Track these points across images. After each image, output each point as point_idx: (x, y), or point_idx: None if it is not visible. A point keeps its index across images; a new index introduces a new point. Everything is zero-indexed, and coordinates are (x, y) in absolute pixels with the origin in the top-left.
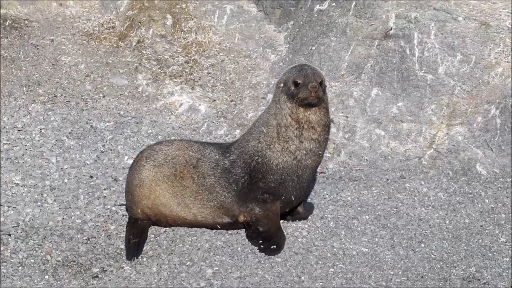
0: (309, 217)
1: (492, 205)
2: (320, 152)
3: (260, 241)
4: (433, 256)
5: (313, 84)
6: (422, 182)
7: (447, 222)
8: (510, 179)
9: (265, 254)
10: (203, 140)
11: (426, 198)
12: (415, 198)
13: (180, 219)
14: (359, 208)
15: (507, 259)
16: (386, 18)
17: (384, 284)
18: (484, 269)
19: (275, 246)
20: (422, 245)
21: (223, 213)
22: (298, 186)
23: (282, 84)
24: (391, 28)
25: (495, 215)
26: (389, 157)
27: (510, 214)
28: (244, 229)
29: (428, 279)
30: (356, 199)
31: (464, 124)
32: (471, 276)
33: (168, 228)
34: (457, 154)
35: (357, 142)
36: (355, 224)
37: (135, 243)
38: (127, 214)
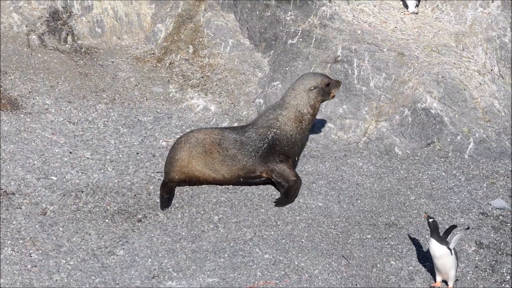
0: None
1: (406, 175)
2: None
3: (285, 193)
4: (366, 209)
5: (340, 81)
6: (359, 159)
7: (375, 186)
8: (417, 157)
9: (280, 204)
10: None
11: (361, 169)
12: (354, 170)
13: (211, 179)
14: (316, 176)
15: (415, 211)
16: (335, 49)
17: (333, 227)
18: (400, 218)
19: (291, 194)
20: (359, 201)
21: (245, 172)
22: (299, 151)
23: (313, 87)
24: (339, 56)
25: (407, 182)
26: (337, 142)
27: (418, 181)
28: (255, 184)
29: (363, 224)
30: (315, 170)
31: (387, 121)
32: (391, 223)
33: (188, 187)
34: (382, 141)
35: (315, 132)
36: (314, 187)
37: (166, 198)
38: (161, 178)
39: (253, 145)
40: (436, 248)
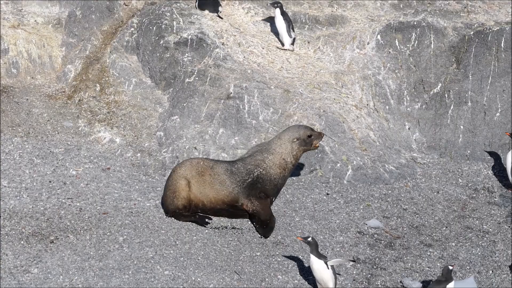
0: None
1: (291, 199)
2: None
3: (260, 225)
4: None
5: (322, 134)
6: None
7: None
8: (301, 183)
9: (263, 235)
10: None
11: None
12: None
13: (201, 204)
14: None
15: (300, 231)
16: (228, 87)
17: (226, 246)
18: (286, 237)
19: (268, 228)
20: (249, 223)
21: (230, 200)
22: (277, 191)
23: (295, 139)
24: (231, 93)
25: (293, 204)
26: None
27: (302, 204)
28: (236, 216)
29: (253, 243)
30: None
31: None
32: (278, 241)
33: (92, 211)
34: None
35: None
36: None
37: (199, 217)
38: (71, 204)
39: (240, 175)
40: (315, 263)
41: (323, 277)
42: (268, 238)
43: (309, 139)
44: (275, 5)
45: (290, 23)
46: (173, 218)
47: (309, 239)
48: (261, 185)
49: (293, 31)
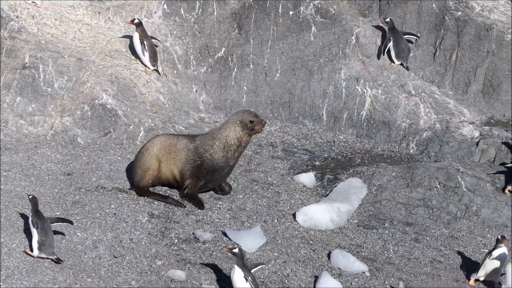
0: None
1: (88, 160)
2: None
3: (184, 197)
4: (56, 190)
5: (264, 121)
6: (47, 149)
7: (62, 170)
8: (97, 145)
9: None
10: None
11: (50, 158)
12: (44, 158)
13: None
14: (11, 165)
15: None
16: (23, 57)
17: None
18: (84, 195)
19: (195, 202)
20: (50, 182)
21: (181, 176)
22: (221, 176)
23: (238, 122)
24: (27, 63)
25: (89, 166)
26: (28, 136)
27: (98, 165)
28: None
29: (53, 203)
30: (9, 160)
31: (70, 116)
32: (76, 201)
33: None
34: (66, 133)
35: (8, 128)
36: (9, 174)
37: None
38: None
39: (193, 155)
40: (235, 274)
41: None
42: (68, 199)
43: (251, 124)
44: None
45: None
46: None
47: (235, 250)
48: (205, 170)
49: None
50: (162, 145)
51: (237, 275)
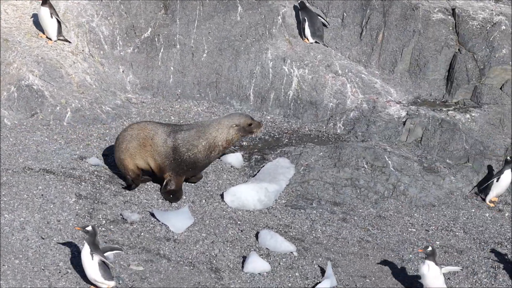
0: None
1: (15, 142)
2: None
3: (167, 194)
4: None
5: (261, 123)
6: None
7: None
8: (24, 126)
9: (168, 200)
10: None
11: None
12: None
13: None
14: None
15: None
16: None
17: None
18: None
19: (174, 197)
20: None
21: (160, 169)
22: (199, 171)
23: (235, 125)
24: None
25: (16, 147)
26: None
27: (25, 146)
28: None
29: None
30: None
31: None
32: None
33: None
34: None
35: None
36: None
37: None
38: None
39: (172, 152)
40: (84, 254)
41: (86, 268)
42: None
43: (249, 127)
44: None
45: None
46: None
47: (88, 228)
48: (186, 166)
49: None
50: (132, 139)
51: (84, 252)
